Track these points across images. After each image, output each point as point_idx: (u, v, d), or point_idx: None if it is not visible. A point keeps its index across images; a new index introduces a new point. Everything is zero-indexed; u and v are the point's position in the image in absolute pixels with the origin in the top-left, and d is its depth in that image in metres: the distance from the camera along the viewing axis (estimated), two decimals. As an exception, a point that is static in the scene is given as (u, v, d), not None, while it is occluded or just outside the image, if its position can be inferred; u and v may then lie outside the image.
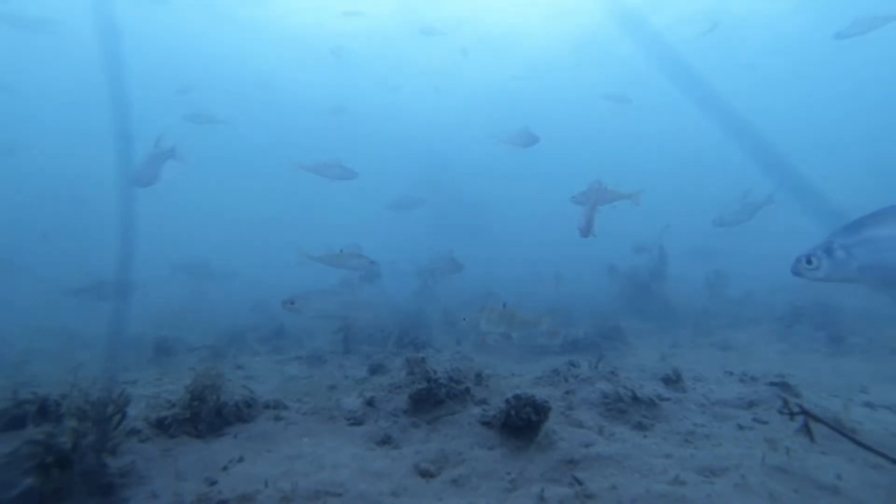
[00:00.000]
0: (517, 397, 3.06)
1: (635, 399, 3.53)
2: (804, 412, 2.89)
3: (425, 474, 2.70)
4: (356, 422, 3.55)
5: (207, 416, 3.28)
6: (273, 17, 24.93)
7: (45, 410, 3.11)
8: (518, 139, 8.15)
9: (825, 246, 3.46)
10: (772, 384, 3.96)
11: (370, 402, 3.80)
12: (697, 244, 17.02)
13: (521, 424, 2.97)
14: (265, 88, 29.52)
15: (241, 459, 2.86)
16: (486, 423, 3.26)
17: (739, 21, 23.99)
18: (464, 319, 4.42)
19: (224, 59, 29.33)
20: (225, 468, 2.76)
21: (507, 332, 4.25)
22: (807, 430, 2.86)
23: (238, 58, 29.22)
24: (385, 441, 3.19)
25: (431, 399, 3.56)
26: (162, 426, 3.20)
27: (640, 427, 3.28)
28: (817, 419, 2.84)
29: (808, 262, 3.49)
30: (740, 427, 3.21)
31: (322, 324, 8.85)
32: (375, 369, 5.34)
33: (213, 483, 2.58)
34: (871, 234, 3.36)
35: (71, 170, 29.28)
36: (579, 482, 2.48)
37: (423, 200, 13.55)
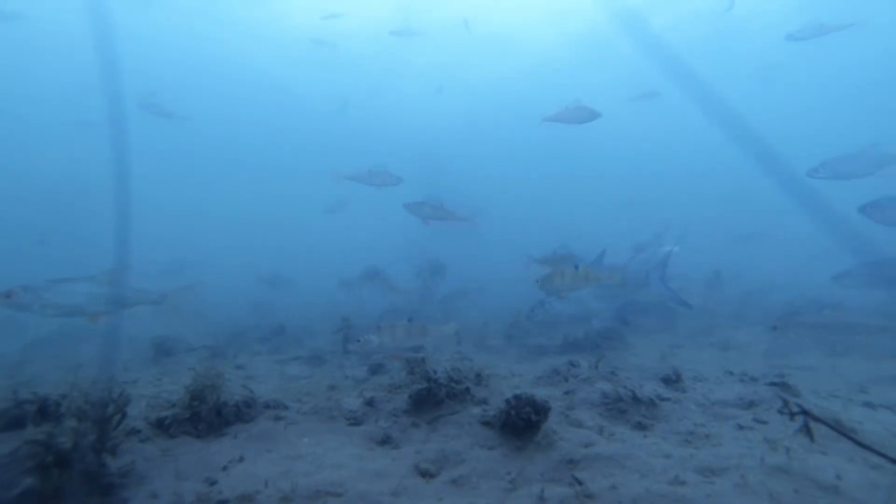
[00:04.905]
0: (517, 397, 3.06)
1: (635, 399, 3.53)
2: (804, 412, 2.89)
3: (425, 474, 2.70)
4: (356, 422, 3.55)
5: (207, 416, 3.28)
6: (270, 18, 24.95)
7: (45, 410, 3.11)
8: (572, 116, 6.82)
9: (540, 303, 6.31)
10: (771, 384, 3.96)
11: (370, 402, 3.80)
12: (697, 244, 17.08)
13: (521, 424, 2.97)
14: (282, 91, 29.32)
15: (241, 459, 2.86)
16: (486, 423, 3.26)
17: (740, 22, 24.02)
18: (357, 341, 4.01)
19: (222, 60, 29.34)
20: (225, 468, 2.76)
21: (420, 343, 4.15)
22: (807, 430, 2.86)
23: (235, 58, 29.24)
24: (385, 441, 3.19)
25: (431, 399, 3.56)
26: (162, 426, 3.20)
27: (639, 427, 3.28)
28: (817, 419, 2.83)
29: (534, 312, 6.26)
30: (740, 427, 3.21)
31: (322, 324, 8.86)
32: (375, 369, 5.34)
33: (213, 483, 2.58)
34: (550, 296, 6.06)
35: (57, 170, 29.25)
36: (579, 482, 2.48)
37: (349, 199, 15.26)
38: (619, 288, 5.70)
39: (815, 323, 6.70)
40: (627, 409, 3.47)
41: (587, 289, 5.57)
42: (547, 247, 7.09)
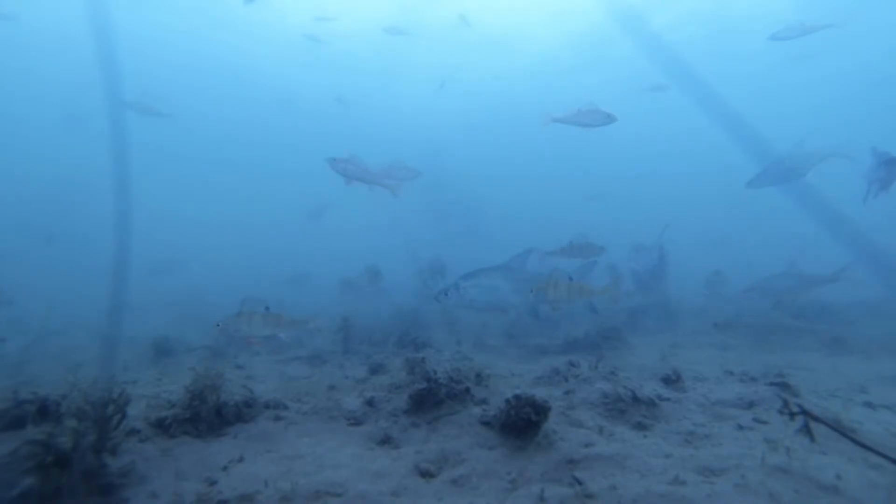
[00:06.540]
0: (517, 397, 3.06)
1: (635, 399, 3.53)
2: (804, 412, 2.89)
3: (425, 474, 2.70)
4: (356, 422, 3.55)
5: (207, 416, 3.28)
6: (268, 18, 24.94)
7: (45, 410, 3.10)
8: (585, 118, 6.17)
9: (455, 285, 5.90)
10: (772, 384, 3.96)
11: (370, 402, 3.80)
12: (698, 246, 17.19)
13: (521, 424, 2.97)
14: (280, 91, 29.19)
15: (241, 459, 2.86)
16: (486, 423, 3.26)
17: (740, 22, 24.02)
18: (217, 325, 4.06)
19: (220, 59, 29.31)
20: (225, 468, 2.76)
21: (275, 333, 4.21)
22: (807, 430, 2.86)
23: (233, 58, 29.21)
24: (385, 441, 3.19)
25: (431, 399, 3.56)
26: (162, 426, 3.20)
27: (639, 427, 3.28)
28: (817, 419, 2.84)
29: (445, 294, 5.86)
30: (740, 427, 3.21)
31: (322, 323, 8.85)
32: (375, 369, 5.34)
33: (213, 483, 2.58)
34: (466, 281, 5.94)
35: (53, 170, 29.25)
36: (579, 482, 2.48)
37: (330, 204, 16.49)
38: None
39: (752, 323, 7.24)
40: (627, 409, 3.47)
41: (508, 283, 6.13)
42: (549, 245, 7.08)
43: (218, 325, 4.07)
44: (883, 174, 5.24)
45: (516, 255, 6.73)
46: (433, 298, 6.31)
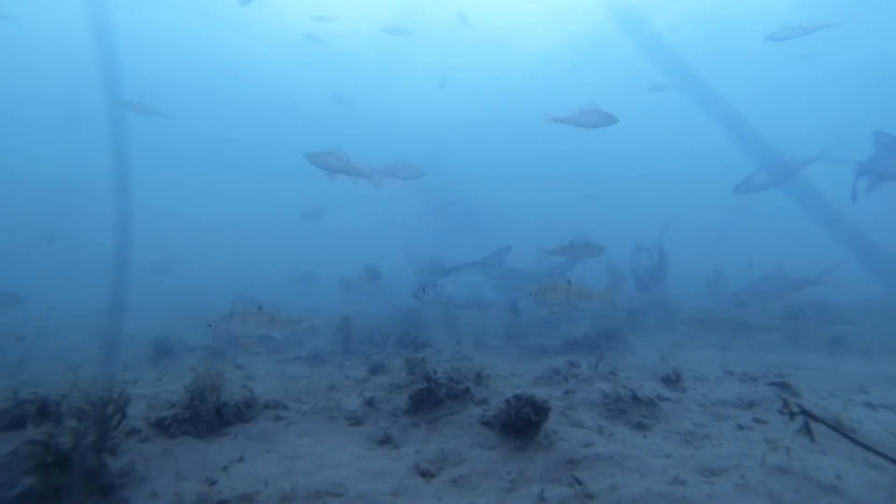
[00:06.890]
0: (517, 397, 3.06)
1: (635, 399, 3.53)
2: (804, 412, 2.89)
3: (425, 474, 2.70)
4: (356, 422, 3.55)
5: (207, 416, 3.28)
6: (267, 18, 24.92)
7: (45, 410, 3.11)
8: (586, 119, 6.17)
9: (432, 282, 6.06)
10: (772, 384, 3.96)
11: (370, 402, 3.80)
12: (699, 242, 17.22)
13: (521, 424, 2.97)
14: (342, 103, 29.06)
15: (241, 459, 2.86)
16: (486, 423, 3.26)
17: (739, 22, 24.01)
18: (210, 326, 4.02)
19: (220, 59, 29.27)
20: (225, 468, 2.76)
21: (269, 332, 4.20)
22: (807, 430, 2.86)
23: (233, 58, 29.17)
24: (385, 441, 3.19)
25: (431, 399, 3.56)
26: (162, 426, 3.20)
27: (640, 427, 3.28)
28: (817, 419, 2.84)
29: (423, 290, 6.00)
30: (740, 427, 3.21)
31: (322, 323, 8.85)
32: (375, 369, 5.34)
33: (213, 483, 2.58)
34: (444, 278, 6.13)
35: (52, 170, 29.22)
36: (579, 482, 2.48)
37: (326, 208, 17.56)
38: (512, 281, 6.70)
39: (719, 321, 7.36)
40: (627, 409, 3.47)
41: (485, 279, 6.24)
42: (550, 242, 7.07)
43: (210, 326, 4.05)
44: (889, 166, 5.22)
45: (494, 251, 6.81)
46: (412, 295, 6.35)
